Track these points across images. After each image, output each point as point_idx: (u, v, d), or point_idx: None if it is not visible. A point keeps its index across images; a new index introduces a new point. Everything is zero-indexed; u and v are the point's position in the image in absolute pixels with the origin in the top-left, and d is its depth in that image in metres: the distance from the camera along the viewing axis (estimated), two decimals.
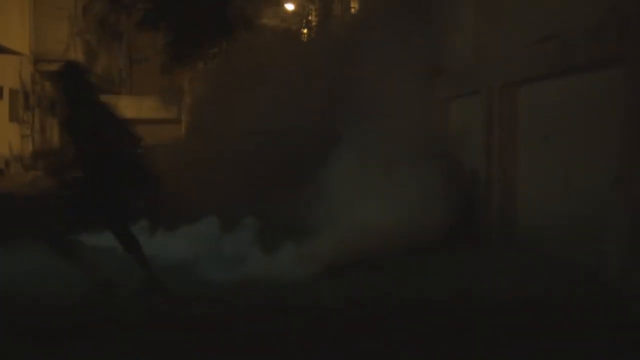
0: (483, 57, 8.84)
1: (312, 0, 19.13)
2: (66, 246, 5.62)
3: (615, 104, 5.94)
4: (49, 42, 26.74)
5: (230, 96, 11.69)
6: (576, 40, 6.49)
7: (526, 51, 7.46)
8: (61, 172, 6.16)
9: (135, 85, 38.14)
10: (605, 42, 6.04)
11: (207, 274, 6.52)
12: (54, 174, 6.56)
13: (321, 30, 16.55)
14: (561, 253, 6.79)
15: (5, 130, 24.71)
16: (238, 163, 10.21)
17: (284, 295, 5.99)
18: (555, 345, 4.73)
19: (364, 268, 6.78)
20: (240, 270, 6.56)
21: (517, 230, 8.01)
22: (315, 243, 6.92)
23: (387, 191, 7.65)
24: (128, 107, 35.91)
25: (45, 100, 28.32)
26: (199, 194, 9.44)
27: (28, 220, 9.49)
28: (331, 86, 10.17)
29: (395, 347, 4.76)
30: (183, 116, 27.35)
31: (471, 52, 9.15)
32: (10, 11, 23.71)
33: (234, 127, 10.80)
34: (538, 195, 7.58)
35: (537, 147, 7.60)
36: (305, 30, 17.34)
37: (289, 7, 20.18)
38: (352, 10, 15.34)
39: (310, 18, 18.92)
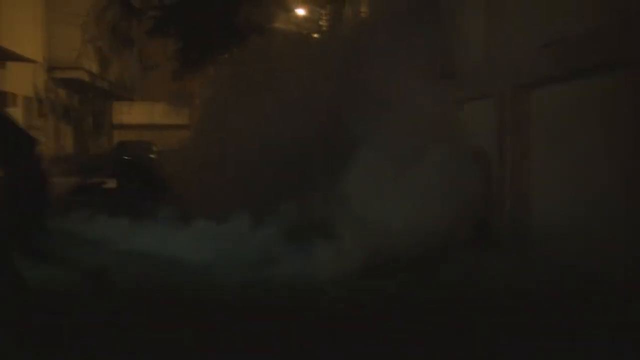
0: (494, 60, 8.84)
1: (323, 5, 19.16)
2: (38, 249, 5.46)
3: (627, 106, 5.94)
4: (62, 49, 26.96)
5: (241, 98, 11.72)
6: (587, 43, 6.49)
7: (537, 54, 7.46)
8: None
9: (146, 92, 38.33)
10: (613, 44, 6.04)
11: (240, 274, 6.63)
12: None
13: (332, 34, 16.56)
14: (573, 256, 6.77)
15: None
16: (255, 163, 10.22)
17: (323, 293, 6.13)
18: (570, 347, 4.75)
19: (399, 266, 6.88)
20: (273, 269, 6.69)
21: (529, 232, 8.00)
22: (348, 242, 6.98)
23: (415, 190, 7.68)
24: (140, 113, 36.27)
25: (59, 107, 28.54)
26: (220, 194, 9.49)
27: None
28: (342, 88, 10.17)
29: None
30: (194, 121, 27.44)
31: (482, 55, 9.15)
32: (23, 19, 23.93)
33: (246, 128, 10.83)
34: (550, 198, 7.57)
35: (549, 149, 7.59)
36: (315, 35, 17.36)
37: (300, 11, 20.23)
38: (362, 14, 15.36)
39: (320, 23, 18.95)
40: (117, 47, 29.75)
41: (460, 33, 9.95)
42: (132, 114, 36.28)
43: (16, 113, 24.52)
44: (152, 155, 23.10)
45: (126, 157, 21.62)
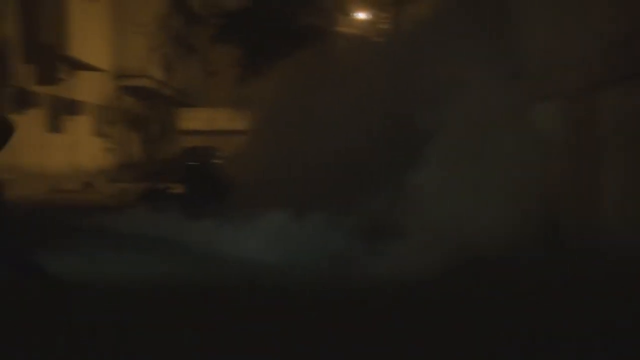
0: (562, 60, 8.68)
1: (384, 8, 19.16)
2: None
3: None
4: (129, 58, 27.71)
5: (305, 101, 11.78)
6: None
7: (607, 54, 7.31)
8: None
9: (210, 98, 38.96)
10: None
11: (316, 274, 6.69)
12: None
13: (395, 35, 16.52)
14: None
15: (90, 144, 25.72)
16: (322, 164, 10.23)
17: (415, 292, 6.09)
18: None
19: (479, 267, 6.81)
20: (350, 269, 6.69)
21: (599, 233, 7.83)
22: (424, 242, 6.94)
23: (491, 187, 7.59)
24: (204, 119, 36.89)
25: (126, 114, 29.31)
26: (288, 195, 9.54)
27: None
28: (409, 86, 10.09)
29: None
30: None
31: (550, 55, 8.99)
32: (92, 30, 24.73)
33: (312, 129, 10.86)
34: (620, 200, 7.39)
35: (620, 149, 7.42)
36: (377, 38, 17.38)
37: (360, 15, 20.32)
38: (425, 15, 15.29)
39: (381, 26, 18.95)
40: (181, 54, 30.41)
41: (526, 33, 9.79)
42: (196, 120, 36.94)
43: (86, 121, 25.33)
44: (217, 161, 23.51)
45: (192, 163, 22.06)
